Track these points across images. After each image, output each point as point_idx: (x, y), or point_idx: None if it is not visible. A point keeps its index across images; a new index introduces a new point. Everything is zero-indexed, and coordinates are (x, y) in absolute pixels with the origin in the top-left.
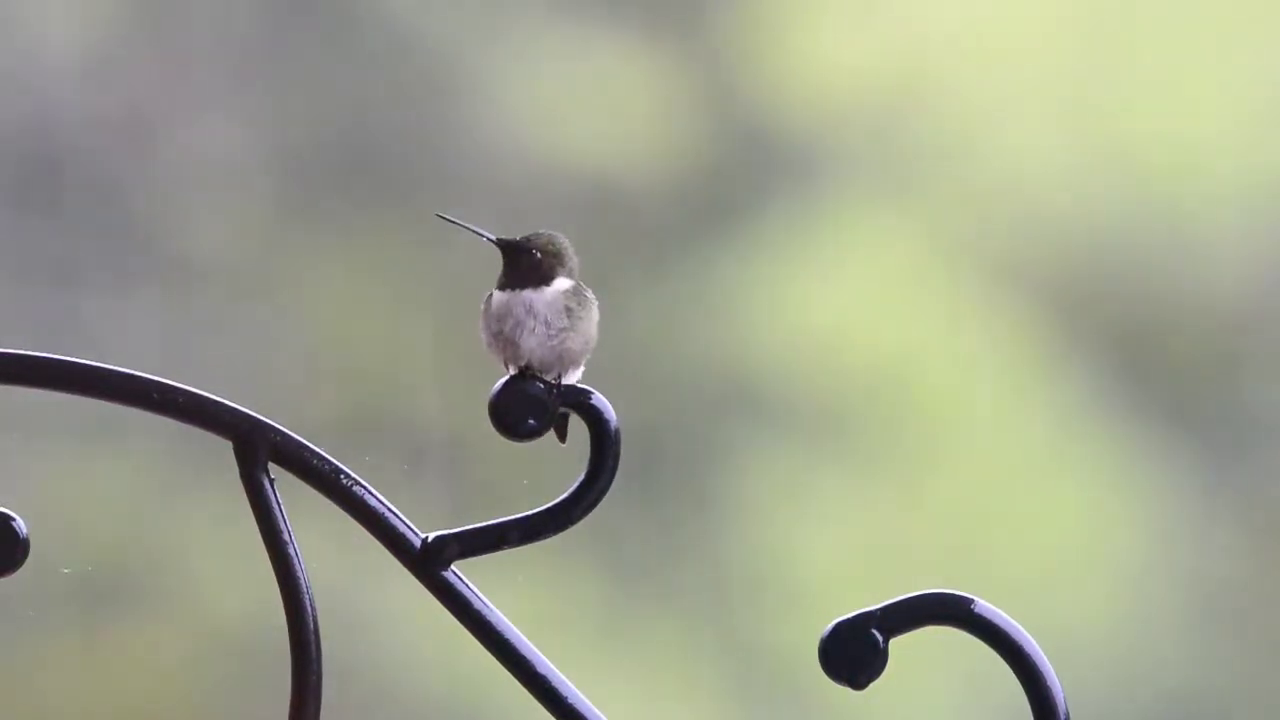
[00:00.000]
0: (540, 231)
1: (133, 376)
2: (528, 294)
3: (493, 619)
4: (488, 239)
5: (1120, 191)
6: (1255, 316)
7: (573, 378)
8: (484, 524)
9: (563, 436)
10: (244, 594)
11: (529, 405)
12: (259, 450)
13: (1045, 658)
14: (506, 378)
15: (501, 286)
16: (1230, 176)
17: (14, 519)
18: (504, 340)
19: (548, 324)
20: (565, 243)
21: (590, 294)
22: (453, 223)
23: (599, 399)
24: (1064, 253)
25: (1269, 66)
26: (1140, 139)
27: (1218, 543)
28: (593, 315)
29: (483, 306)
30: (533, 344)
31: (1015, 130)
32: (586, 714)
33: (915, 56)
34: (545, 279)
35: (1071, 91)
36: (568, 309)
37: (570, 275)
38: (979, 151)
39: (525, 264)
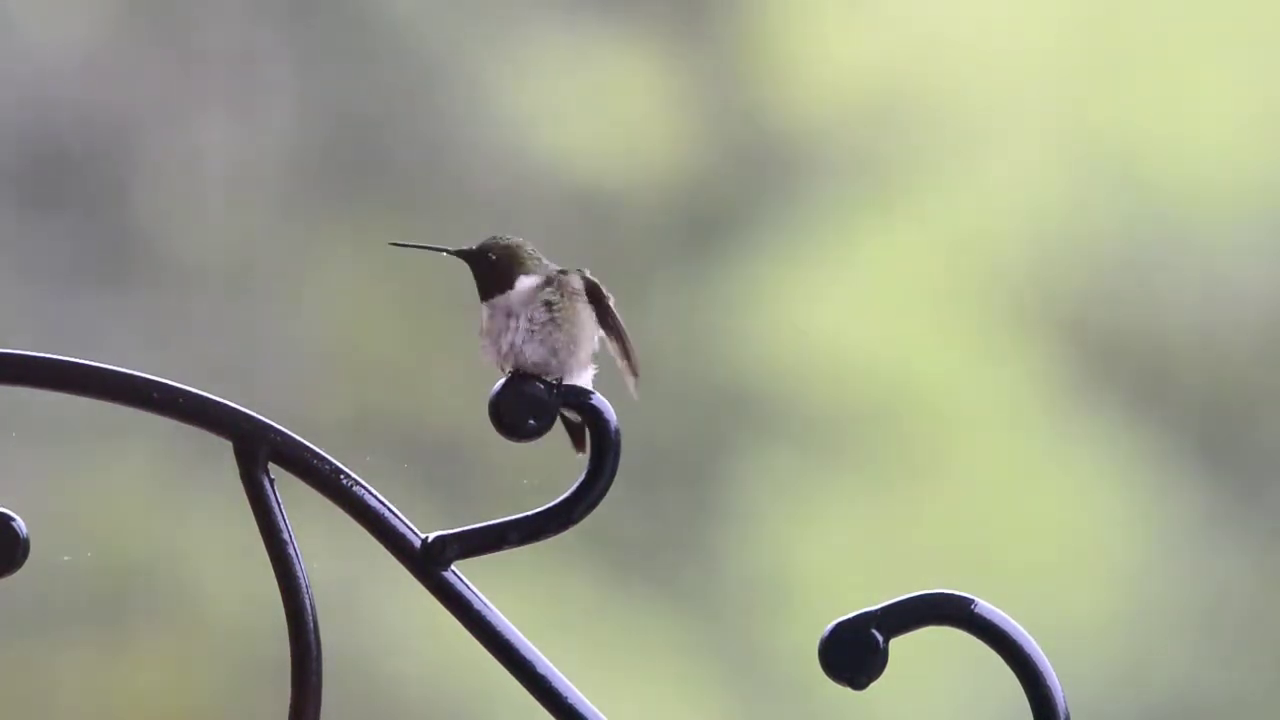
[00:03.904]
0: (493, 235)
1: (133, 376)
2: (501, 298)
3: (493, 619)
4: (446, 253)
5: (1121, 198)
6: (1256, 318)
7: (580, 379)
8: (484, 524)
9: (581, 444)
10: (244, 594)
11: (529, 405)
12: (259, 450)
13: (1045, 658)
14: (506, 378)
15: (482, 298)
16: (1230, 180)
17: (14, 519)
18: (492, 343)
19: (530, 321)
20: (519, 241)
21: (576, 286)
22: (407, 246)
23: (599, 399)
24: (1064, 258)
25: (1270, 75)
26: (1141, 146)
27: (1217, 544)
28: (578, 308)
29: (480, 317)
30: (516, 341)
31: (1016, 137)
32: (586, 714)
33: (915, 64)
34: (510, 280)
35: (1072, 98)
36: (547, 303)
37: (536, 271)
38: (979, 158)
39: (487, 269)
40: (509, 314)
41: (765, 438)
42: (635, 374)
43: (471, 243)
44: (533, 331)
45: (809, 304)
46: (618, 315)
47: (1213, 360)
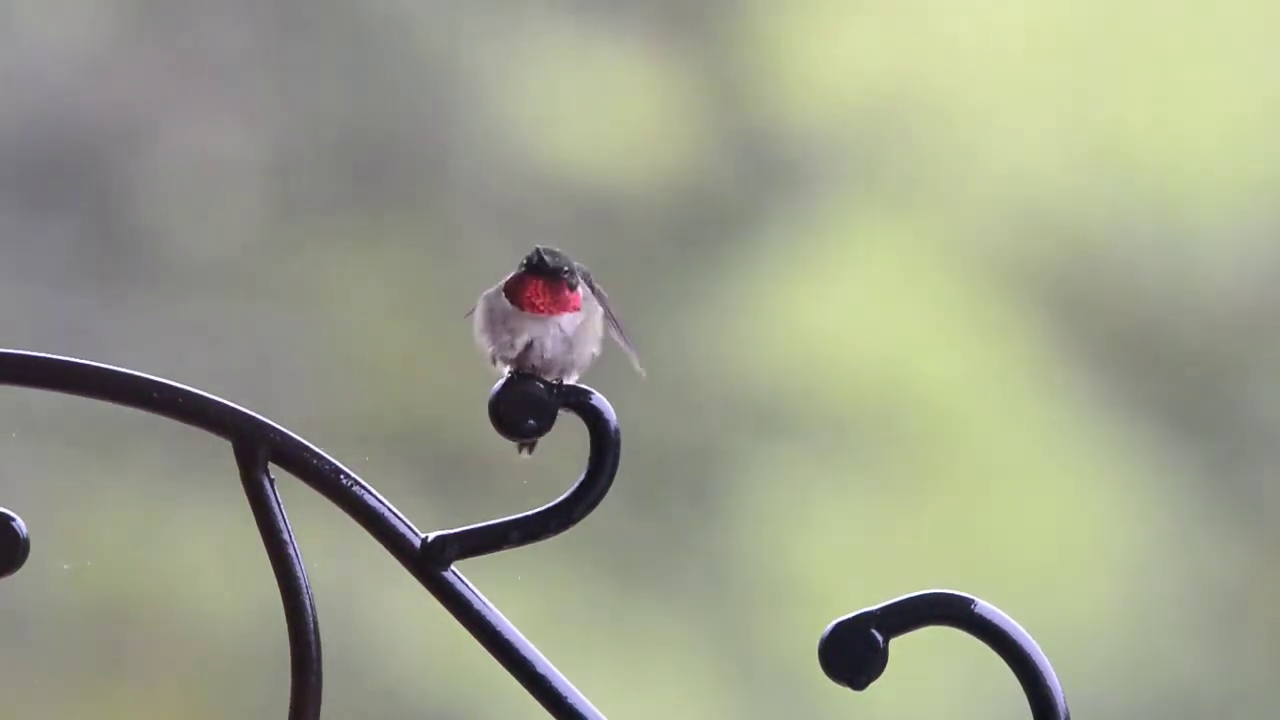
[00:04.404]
0: (559, 252)
1: (133, 377)
2: (557, 319)
3: (493, 619)
4: (524, 259)
5: (1119, 194)
6: (1253, 316)
7: (573, 380)
8: (484, 524)
9: (531, 447)
10: (244, 594)
11: (529, 405)
12: (259, 450)
13: (1045, 658)
14: (506, 378)
15: (515, 299)
16: (1228, 179)
17: (14, 519)
18: (506, 335)
19: (568, 340)
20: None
21: (588, 290)
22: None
23: (599, 399)
24: (1063, 255)
25: (1265, 67)
26: (1138, 142)
27: (1217, 542)
28: (597, 312)
29: (483, 307)
30: (545, 341)
31: (1013, 134)
32: (586, 714)
33: (913, 63)
34: (572, 303)
35: (1069, 95)
36: (584, 320)
37: (580, 284)
38: (977, 156)
39: (554, 285)
40: (562, 331)
41: (766, 437)
42: (637, 352)
43: (534, 252)
44: (564, 340)
45: (811, 304)
46: (606, 299)
47: (1216, 357)
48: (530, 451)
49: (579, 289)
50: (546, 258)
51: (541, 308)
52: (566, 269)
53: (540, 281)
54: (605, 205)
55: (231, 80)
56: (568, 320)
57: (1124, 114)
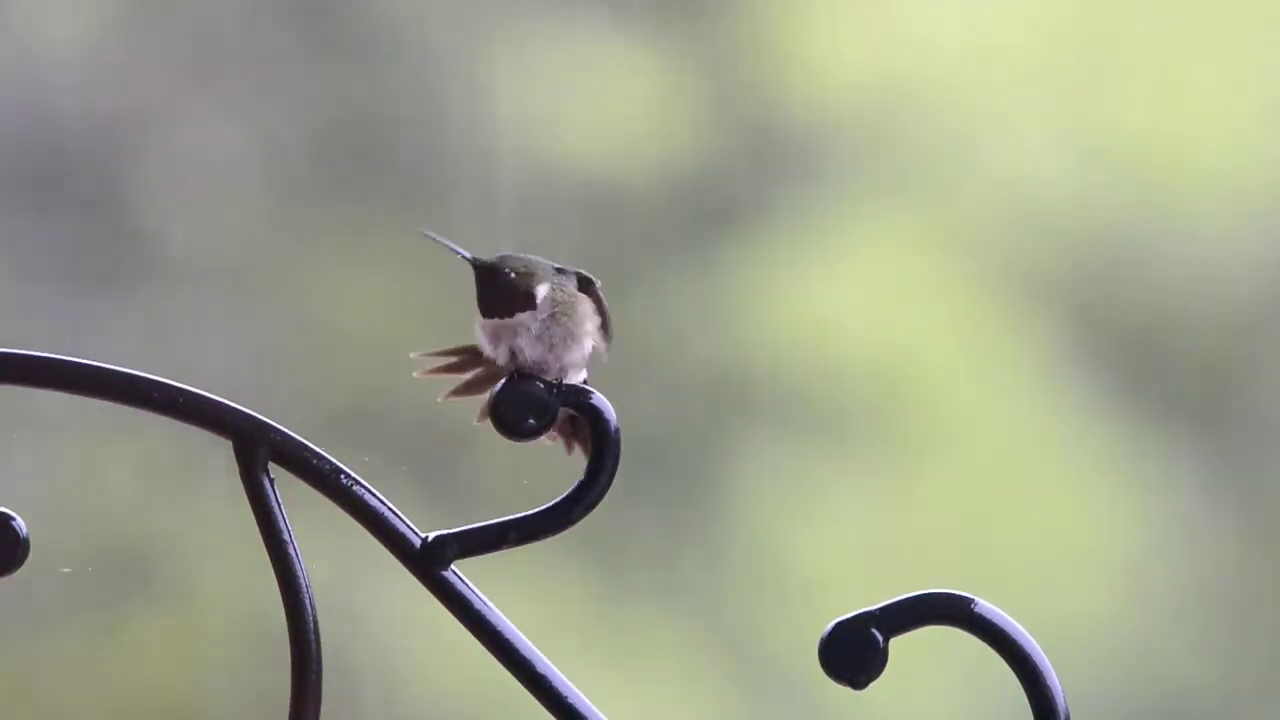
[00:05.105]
0: (506, 254)
1: (133, 376)
2: (524, 315)
3: (493, 619)
4: (464, 258)
5: (1120, 190)
6: (1254, 316)
7: (575, 379)
8: (484, 524)
9: (579, 445)
10: (244, 594)
11: (529, 405)
12: (259, 450)
13: (1045, 657)
14: (506, 378)
15: (486, 314)
16: (1229, 178)
17: (14, 519)
18: (494, 345)
19: (541, 337)
20: (530, 258)
21: (571, 288)
22: (436, 241)
23: (599, 398)
24: (1064, 251)
25: (1265, 67)
26: (1140, 137)
27: (1218, 542)
28: (578, 308)
29: (478, 328)
30: (520, 343)
31: (1015, 129)
32: (587, 714)
33: (915, 56)
34: (531, 299)
35: (1071, 90)
36: (553, 300)
37: (545, 280)
38: (979, 150)
39: (505, 285)
40: (529, 328)
41: (767, 433)
42: (607, 341)
43: (485, 255)
44: (537, 336)
45: (811, 299)
46: (602, 297)
47: (1217, 356)
48: (567, 445)
49: (536, 285)
50: (482, 259)
51: (500, 310)
52: (512, 269)
53: (481, 288)
54: (604, 199)
55: (231, 79)
56: (531, 317)
57: (1124, 112)
